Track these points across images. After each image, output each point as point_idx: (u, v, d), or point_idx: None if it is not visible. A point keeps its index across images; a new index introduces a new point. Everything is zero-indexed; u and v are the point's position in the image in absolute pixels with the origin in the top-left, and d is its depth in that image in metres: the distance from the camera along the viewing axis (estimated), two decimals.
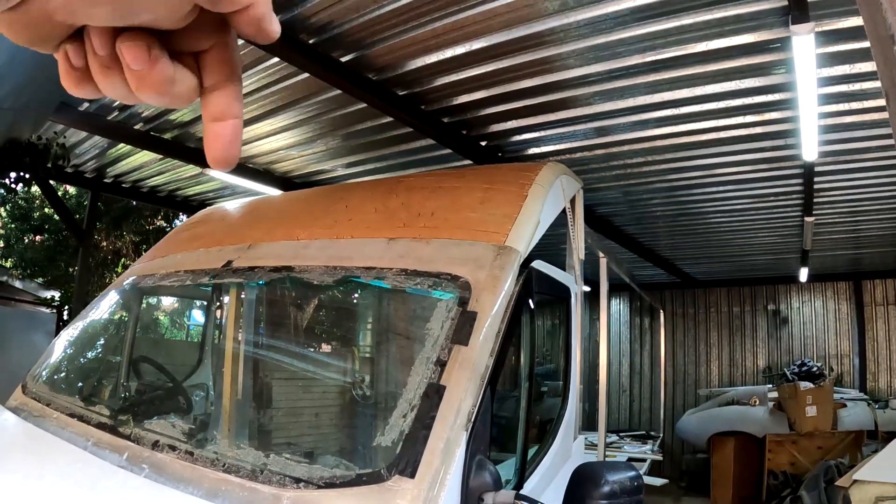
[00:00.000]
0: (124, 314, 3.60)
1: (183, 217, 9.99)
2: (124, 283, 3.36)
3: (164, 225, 12.66)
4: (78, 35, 0.49)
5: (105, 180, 7.82)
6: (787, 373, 10.97)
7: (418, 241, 2.45)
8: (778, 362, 11.83)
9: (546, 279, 2.74)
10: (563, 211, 3.13)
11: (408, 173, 5.98)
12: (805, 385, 9.51)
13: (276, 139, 5.92)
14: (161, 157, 6.61)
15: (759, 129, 5.01)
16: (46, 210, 13.04)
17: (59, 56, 0.50)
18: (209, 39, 0.53)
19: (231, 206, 4.00)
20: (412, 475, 1.71)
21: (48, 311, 10.46)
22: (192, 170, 7.03)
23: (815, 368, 10.84)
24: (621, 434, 10.50)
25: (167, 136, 6.00)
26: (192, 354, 4.20)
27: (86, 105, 5.39)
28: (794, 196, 6.68)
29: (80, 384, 3.16)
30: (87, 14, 0.45)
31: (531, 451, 2.58)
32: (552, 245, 3.32)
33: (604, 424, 4.87)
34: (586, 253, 3.63)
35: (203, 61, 0.54)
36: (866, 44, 3.07)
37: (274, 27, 0.52)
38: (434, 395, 1.86)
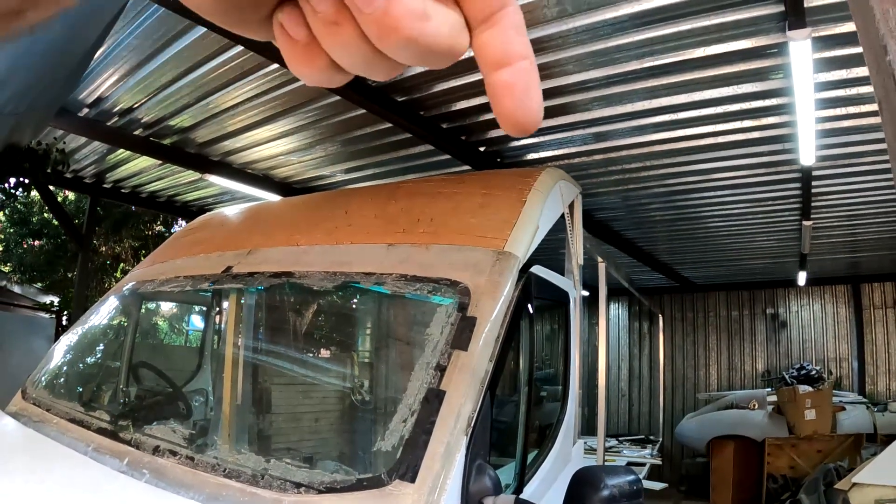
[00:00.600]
0: (124, 319, 3.61)
1: (182, 222, 9.99)
2: (124, 289, 3.37)
3: (164, 230, 12.66)
4: (292, 3, 0.39)
5: (104, 185, 7.82)
6: (786, 376, 10.97)
7: (418, 246, 2.46)
8: (777, 366, 11.84)
9: (545, 284, 2.75)
10: (562, 216, 3.14)
11: (407, 179, 5.99)
12: (804, 388, 9.52)
13: (276, 145, 5.93)
14: (160, 162, 6.61)
15: (756, 134, 5.03)
16: (45, 215, 13.04)
17: (277, 33, 0.40)
18: None
19: (231, 211, 4.01)
20: (412, 480, 1.72)
21: (47, 316, 10.45)
22: (191, 175, 7.03)
23: (813, 372, 10.85)
24: (621, 438, 10.51)
25: (166, 141, 6.00)
26: (191, 360, 4.20)
27: (86, 111, 5.39)
28: (792, 200, 6.69)
29: (80, 389, 3.16)
30: None
31: (531, 456, 2.58)
32: (551, 250, 3.33)
33: (603, 429, 4.88)
34: (585, 258, 3.64)
35: None
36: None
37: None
38: (434, 399, 1.87)
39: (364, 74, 0.41)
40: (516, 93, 0.40)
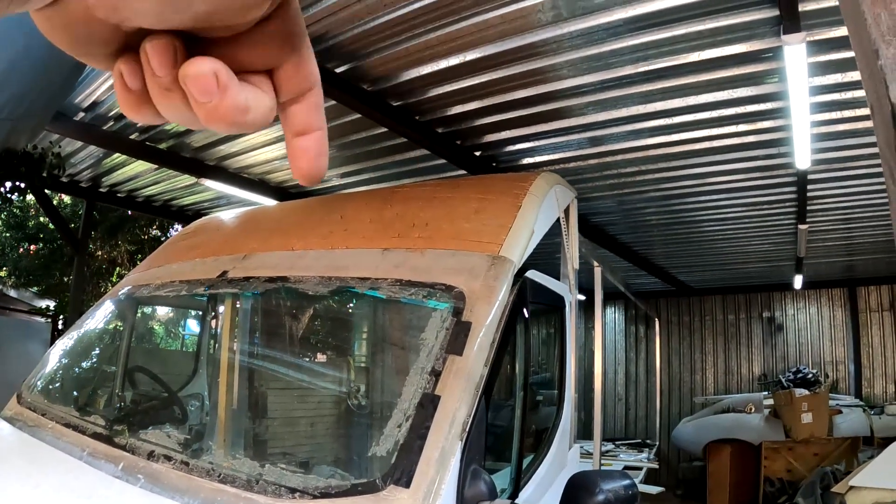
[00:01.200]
0: (120, 324, 3.60)
1: (178, 227, 9.98)
2: (120, 293, 3.36)
3: (160, 234, 12.65)
4: (134, 53, 0.43)
5: (100, 190, 7.82)
6: (783, 380, 10.97)
7: (413, 251, 2.46)
8: (773, 369, 11.84)
9: (540, 289, 2.75)
10: (558, 220, 3.14)
11: (402, 183, 6.00)
12: (800, 392, 9.52)
13: (272, 149, 5.94)
14: (156, 167, 6.62)
15: (752, 138, 5.04)
16: (41, 219, 13.02)
17: (114, 76, 0.45)
18: (282, 54, 0.47)
19: (227, 216, 4.01)
20: (407, 485, 1.72)
21: (43, 320, 10.43)
22: (187, 180, 7.03)
23: (810, 375, 10.84)
24: (617, 442, 10.50)
25: (162, 146, 6.00)
26: (187, 364, 4.19)
27: (81, 115, 5.39)
28: (788, 204, 6.71)
29: (75, 394, 3.15)
30: (131, 9, 0.38)
31: (526, 461, 2.58)
32: (547, 254, 3.34)
33: (599, 433, 4.88)
34: (581, 262, 3.64)
35: (278, 76, 0.48)
36: None
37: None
38: (429, 404, 1.87)
39: (186, 126, 0.47)
40: (311, 155, 0.49)
